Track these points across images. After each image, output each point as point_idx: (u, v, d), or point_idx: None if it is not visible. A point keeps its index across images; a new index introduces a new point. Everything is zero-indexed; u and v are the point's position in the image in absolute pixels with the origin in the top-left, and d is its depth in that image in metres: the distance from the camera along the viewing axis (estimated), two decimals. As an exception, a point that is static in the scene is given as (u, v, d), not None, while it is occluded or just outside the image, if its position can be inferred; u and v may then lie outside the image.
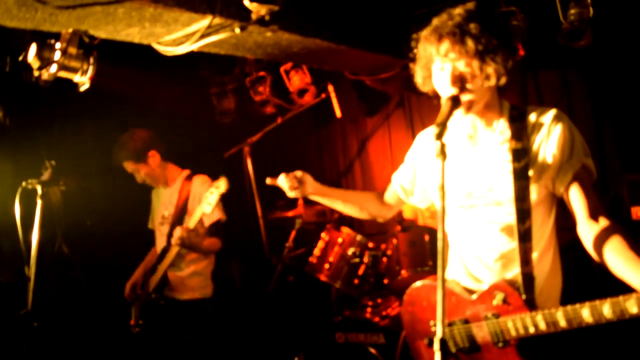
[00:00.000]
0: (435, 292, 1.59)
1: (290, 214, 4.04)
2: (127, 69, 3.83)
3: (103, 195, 4.06)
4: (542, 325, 1.55)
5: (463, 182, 1.81)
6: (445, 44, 1.61)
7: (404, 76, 4.03)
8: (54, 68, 2.22)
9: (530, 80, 3.74)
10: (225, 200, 3.03)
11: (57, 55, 2.21)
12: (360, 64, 4.07)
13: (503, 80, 1.64)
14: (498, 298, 1.67)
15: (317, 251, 3.51)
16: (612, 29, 3.23)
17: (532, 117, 1.71)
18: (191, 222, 2.96)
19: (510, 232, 1.72)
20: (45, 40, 2.25)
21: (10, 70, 2.55)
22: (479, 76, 1.60)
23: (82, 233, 3.88)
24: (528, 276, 1.68)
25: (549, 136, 1.67)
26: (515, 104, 1.79)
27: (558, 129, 1.66)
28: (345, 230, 3.52)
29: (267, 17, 2.60)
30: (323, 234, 3.57)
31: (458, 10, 1.63)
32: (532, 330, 1.58)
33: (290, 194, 2.11)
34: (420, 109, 4.29)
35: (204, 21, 2.54)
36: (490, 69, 1.59)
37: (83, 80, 2.32)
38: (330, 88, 4.25)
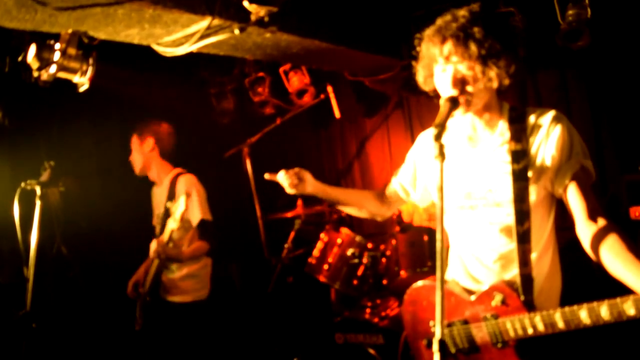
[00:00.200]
0: (435, 292, 1.59)
1: (289, 214, 4.05)
2: (126, 70, 3.83)
3: (102, 196, 4.05)
4: (541, 327, 1.55)
5: (462, 183, 1.81)
6: (448, 46, 1.60)
7: (403, 77, 4.04)
8: (53, 69, 2.21)
9: (529, 81, 3.74)
10: (224, 201, 3.03)
11: (57, 56, 2.21)
12: (359, 65, 4.07)
13: (505, 84, 1.64)
14: (497, 299, 1.68)
15: (316, 252, 3.51)
16: (610, 29, 3.24)
17: (532, 118, 1.72)
18: (164, 235, 2.93)
19: (509, 233, 1.72)
20: (44, 41, 2.25)
21: (10, 70, 2.55)
22: (480, 80, 1.61)
23: (81, 234, 3.87)
24: (527, 277, 1.68)
25: (548, 137, 1.67)
26: (513, 104, 1.80)
27: (557, 131, 1.66)
28: (345, 231, 3.52)
29: (266, 19, 2.60)
30: (322, 235, 3.56)
31: (462, 12, 1.62)
32: (530, 331, 1.58)
33: (290, 190, 2.10)
34: (419, 109, 4.28)
35: (203, 22, 2.54)
36: (492, 73, 1.59)
37: (82, 81, 2.31)
38: (329, 89, 4.24)
